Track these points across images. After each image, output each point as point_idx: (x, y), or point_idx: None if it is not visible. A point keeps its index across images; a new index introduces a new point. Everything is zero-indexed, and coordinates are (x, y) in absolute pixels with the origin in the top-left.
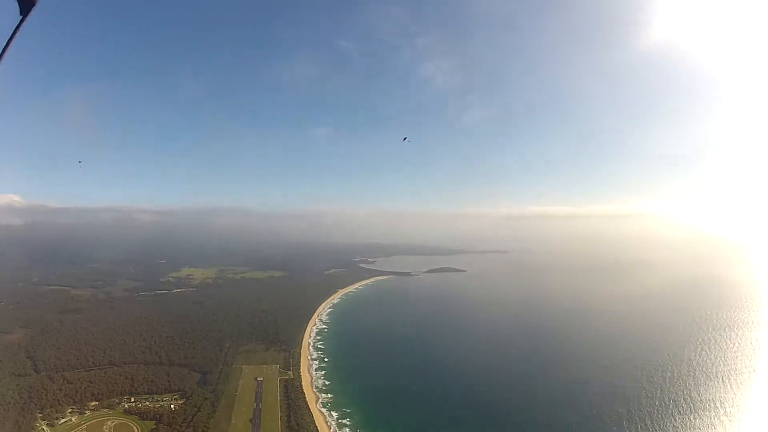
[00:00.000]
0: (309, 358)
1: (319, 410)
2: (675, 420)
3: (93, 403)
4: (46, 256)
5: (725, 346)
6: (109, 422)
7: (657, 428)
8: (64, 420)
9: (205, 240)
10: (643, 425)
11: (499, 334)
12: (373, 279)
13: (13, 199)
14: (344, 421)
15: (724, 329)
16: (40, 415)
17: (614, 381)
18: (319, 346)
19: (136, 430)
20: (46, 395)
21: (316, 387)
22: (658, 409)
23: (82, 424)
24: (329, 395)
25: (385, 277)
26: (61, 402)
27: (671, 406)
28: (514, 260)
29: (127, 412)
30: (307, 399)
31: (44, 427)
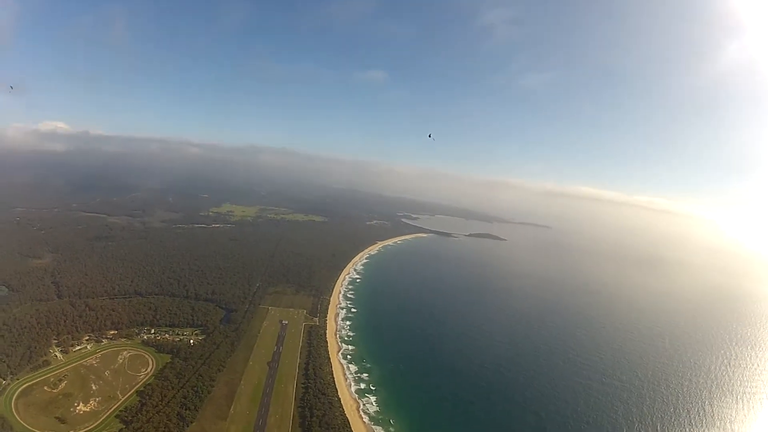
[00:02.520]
0: (337, 306)
1: (339, 361)
2: (684, 431)
3: (111, 332)
4: (87, 183)
5: (745, 365)
6: (124, 353)
7: None
8: (79, 347)
9: (250, 178)
10: (653, 429)
11: (532, 309)
12: (413, 235)
13: (58, 126)
14: (362, 375)
15: (749, 347)
16: (56, 341)
17: (633, 377)
18: (349, 296)
19: (150, 362)
20: (64, 321)
21: (340, 337)
22: (670, 417)
23: (96, 353)
24: (352, 347)
25: (425, 235)
26: (79, 329)
27: (683, 415)
28: (554, 238)
29: (145, 344)
30: (329, 348)
31: (57, 354)
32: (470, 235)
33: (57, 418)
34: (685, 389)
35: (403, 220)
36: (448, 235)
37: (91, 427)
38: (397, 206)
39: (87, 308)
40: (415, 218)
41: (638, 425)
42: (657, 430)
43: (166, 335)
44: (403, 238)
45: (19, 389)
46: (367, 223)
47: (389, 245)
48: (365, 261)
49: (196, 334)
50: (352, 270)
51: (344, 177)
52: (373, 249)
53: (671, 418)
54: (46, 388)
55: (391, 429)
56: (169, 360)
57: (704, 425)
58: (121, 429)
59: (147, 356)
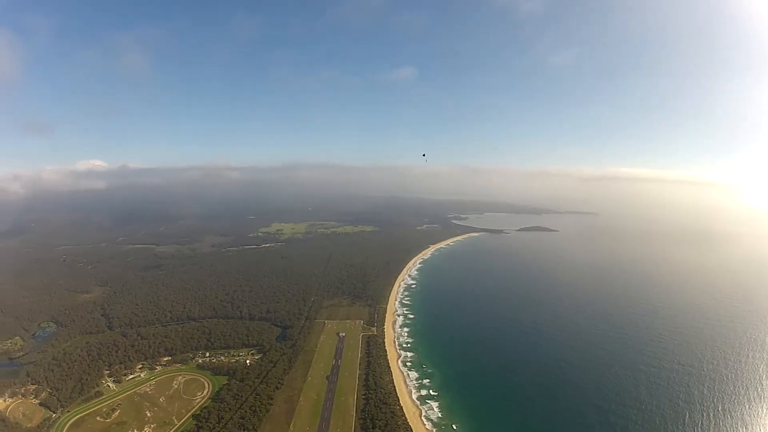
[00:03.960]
0: (394, 314)
1: (400, 369)
2: (744, 409)
3: (165, 359)
4: (131, 216)
5: None
6: (179, 377)
7: (728, 417)
8: (132, 376)
9: (293, 195)
10: (714, 411)
11: (589, 299)
12: (465, 235)
13: (95, 163)
14: (423, 381)
15: None
16: (107, 371)
17: (692, 359)
18: (405, 302)
19: (206, 385)
20: (116, 351)
21: (399, 344)
22: (730, 395)
23: (150, 380)
24: (411, 354)
25: (477, 234)
26: (131, 358)
27: (742, 392)
28: (603, 223)
29: (200, 367)
30: (388, 357)
31: (110, 384)
32: (521, 230)
33: None
34: (743, 364)
35: (453, 221)
36: (499, 231)
37: None
38: (445, 208)
39: (139, 337)
40: (465, 218)
41: (700, 407)
42: (718, 410)
43: (222, 357)
44: (455, 239)
45: (71, 421)
46: (418, 228)
47: (442, 248)
48: (419, 266)
49: (252, 354)
50: (406, 276)
51: (386, 184)
52: (426, 253)
53: (731, 397)
54: (98, 418)
55: None
56: (226, 382)
57: (764, 399)
58: None
59: (203, 380)
